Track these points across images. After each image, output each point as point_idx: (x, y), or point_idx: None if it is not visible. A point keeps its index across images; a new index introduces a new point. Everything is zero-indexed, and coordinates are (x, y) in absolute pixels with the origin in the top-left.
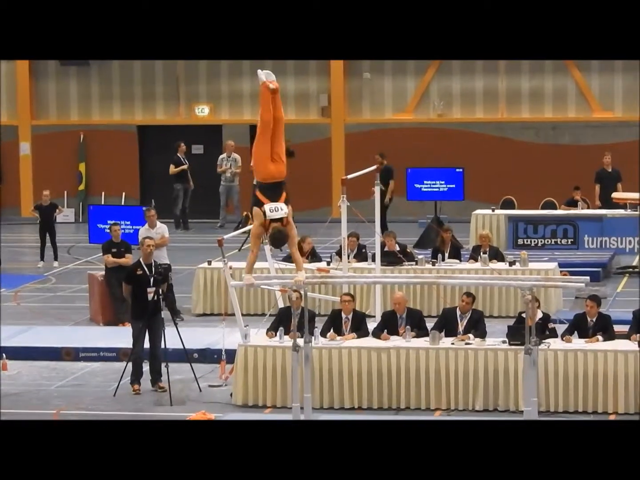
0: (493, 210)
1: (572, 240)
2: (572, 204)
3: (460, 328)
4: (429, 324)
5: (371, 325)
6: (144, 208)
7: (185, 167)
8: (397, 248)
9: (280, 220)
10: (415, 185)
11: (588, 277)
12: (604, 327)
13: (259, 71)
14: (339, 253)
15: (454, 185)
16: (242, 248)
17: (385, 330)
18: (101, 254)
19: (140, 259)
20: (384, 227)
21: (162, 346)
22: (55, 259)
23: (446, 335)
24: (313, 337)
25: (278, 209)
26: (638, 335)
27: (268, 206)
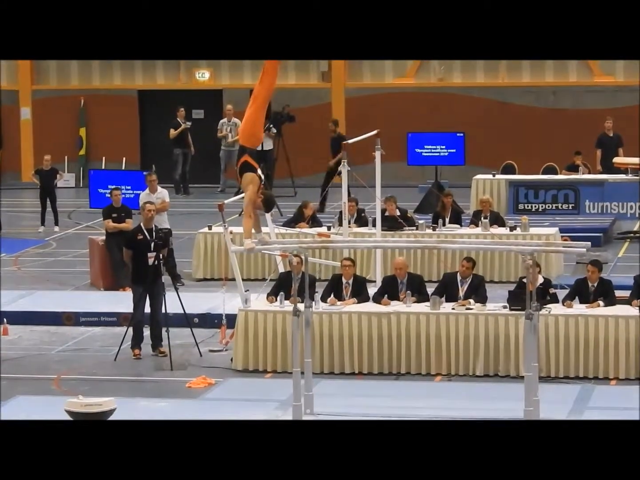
0: (494, 175)
1: (573, 205)
2: (573, 168)
3: (461, 293)
4: (430, 289)
5: (372, 290)
6: (144, 173)
7: (186, 126)
8: (398, 213)
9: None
10: (416, 150)
11: (589, 243)
12: (605, 293)
13: None
14: (340, 220)
15: (454, 150)
16: (243, 213)
17: (386, 295)
18: (102, 218)
19: (141, 224)
20: (323, 195)
21: (163, 311)
22: (56, 223)
23: (447, 301)
24: (313, 302)
25: (263, 173)
26: (639, 300)
27: (259, 171)
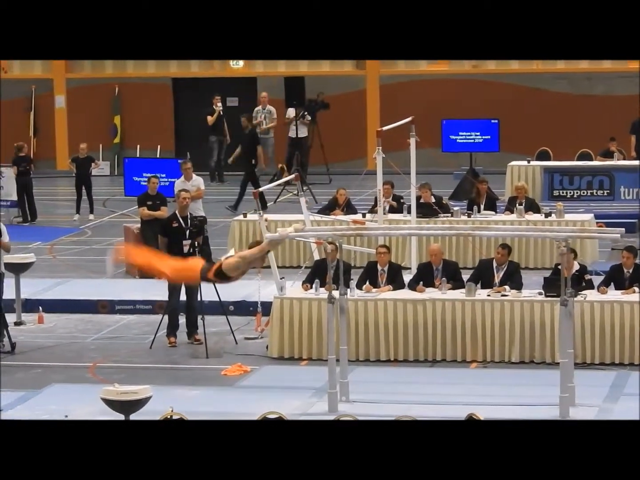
0: (528, 162)
1: (608, 191)
2: (608, 154)
3: (496, 280)
4: (465, 275)
5: (407, 277)
6: (180, 160)
7: (219, 110)
8: (433, 200)
9: None
10: (451, 136)
11: (623, 229)
12: None
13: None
14: (372, 210)
15: (489, 137)
16: (278, 200)
17: (421, 282)
18: (136, 206)
19: (176, 212)
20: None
21: (198, 299)
22: (91, 211)
23: (482, 287)
24: (349, 289)
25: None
26: None
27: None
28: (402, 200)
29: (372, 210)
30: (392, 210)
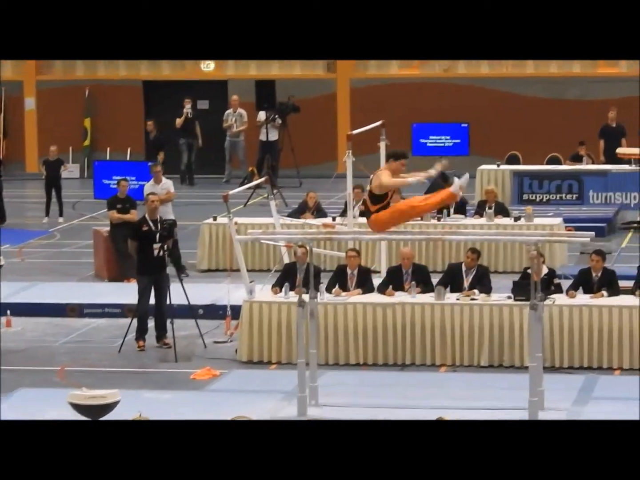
0: (498, 166)
1: (577, 195)
2: (577, 159)
3: (466, 284)
4: (434, 279)
5: (376, 280)
6: (150, 163)
7: (187, 112)
8: None
9: None
10: (421, 140)
11: (593, 232)
12: (609, 282)
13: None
14: (343, 214)
15: (459, 140)
16: (248, 203)
17: (391, 286)
18: (106, 209)
19: (146, 215)
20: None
21: (168, 302)
22: (61, 214)
23: (451, 291)
24: (318, 293)
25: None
26: None
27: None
28: None
29: (343, 214)
30: (363, 214)
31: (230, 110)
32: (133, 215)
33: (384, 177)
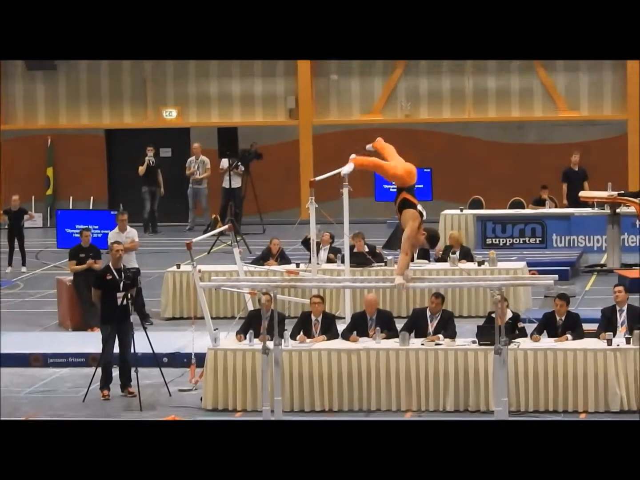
0: (461, 210)
1: (540, 239)
2: (540, 203)
3: (430, 329)
4: (399, 324)
5: (341, 327)
6: (116, 212)
7: (150, 160)
8: (366, 249)
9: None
10: (384, 185)
11: (556, 276)
12: (573, 326)
13: None
14: (307, 239)
15: (422, 186)
16: (211, 251)
17: (355, 332)
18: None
19: (109, 264)
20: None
21: (132, 351)
22: (24, 264)
23: (416, 336)
24: (283, 340)
25: (423, 209)
26: (606, 333)
27: (420, 207)
28: (339, 254)
29: (307, 238)
30: (329, 260)
31: (192, 158)
32: (93, 264)
33: (408, 229)
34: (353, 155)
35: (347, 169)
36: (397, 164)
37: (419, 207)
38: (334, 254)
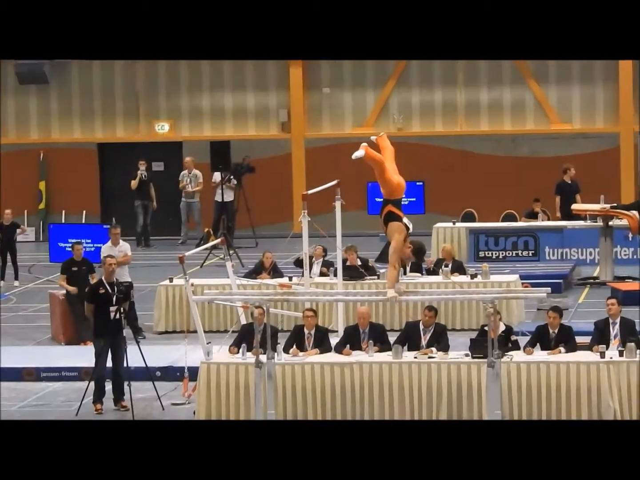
0: (454, 223)
1: (533, 252)
2: (532, 215)
3: (423, 342)
4: (392, 338)
5: (334, 340)
6: (109, 225)
7: (142, 174)
8: (359, 262)
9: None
10: (376, 199)
11: (549, 289)
12: (566, 339)
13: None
14: (300, 260)
15: (414, 199)
16: (204, 264)
17: (348, 345)
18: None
19: (102, 278)
20: None
21: (125, 365)
22: (16, 278)
23: (409, 349)
24: (276, 354)
25: (409, 222)
26: (599, 346)
27: (405, 220)
28: (332, 268)
29: (300, 259)
30: (322, 274)
31: (185, 172)
32: (73, 289)
33: (394, 242)
34: (365, 144)
35: (358, 153)
36: (394, 174)
37: (405, 219)
38: (327, 267)
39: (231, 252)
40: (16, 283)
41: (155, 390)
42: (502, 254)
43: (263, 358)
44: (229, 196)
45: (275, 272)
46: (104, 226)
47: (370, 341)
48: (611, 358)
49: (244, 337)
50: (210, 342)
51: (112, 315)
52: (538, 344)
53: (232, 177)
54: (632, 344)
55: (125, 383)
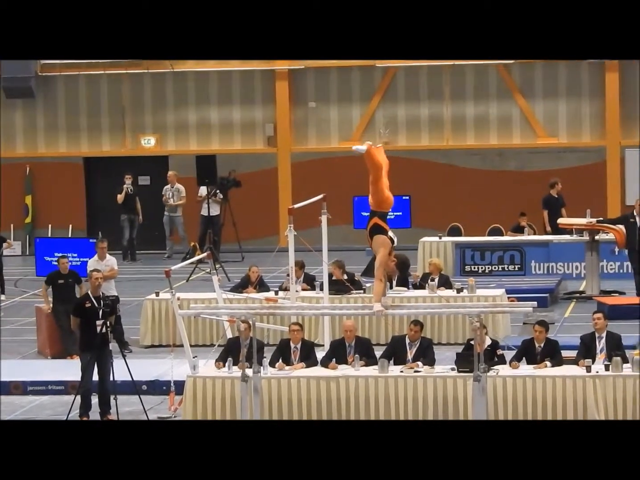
0: (440, 238)
1: (519, 266)
2: (519, 230)
3: (409, 356)
4: (378, 352)
5: (320, 354)
6: (95, 239)
7: (128, 188)
8: (345, 277)
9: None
10: (362, 213)
11: (535, 303)
12: (552, 353)
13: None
14: (284, 288)
15: (400, 213)
16: (190, 279)
17: (334, 359)
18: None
19: (88, 292)
20: None
21: (111, 378)
22: (2, 292)
23: (395, 364)
24: (262, 367)
25: (394, 235)
26: (585, 360)
27: (390, 233)
28: (315, 282)
29: (283, 287)
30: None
31: (168, 186)
32: (47, 308)
33: (380, 256)
34: (370, 142)
35: (360, 148)
36: (386, 188)
37: (390, 233)
38: (308, 282)
39: (217, 266)
40: (2, 297)
41: (142, 404)
42: (489, 268)
43: (249, 372)
44: (215, 210)
45: (262, 286)
46: (91, 240)
47: (357, 355)
48: (597, 372)
49: (230, 351)
50: (196, 356)
51: (98, 329)
52: (524, 358)
53: (218, 191)
54: (618, 358)
55: (112, 397)
